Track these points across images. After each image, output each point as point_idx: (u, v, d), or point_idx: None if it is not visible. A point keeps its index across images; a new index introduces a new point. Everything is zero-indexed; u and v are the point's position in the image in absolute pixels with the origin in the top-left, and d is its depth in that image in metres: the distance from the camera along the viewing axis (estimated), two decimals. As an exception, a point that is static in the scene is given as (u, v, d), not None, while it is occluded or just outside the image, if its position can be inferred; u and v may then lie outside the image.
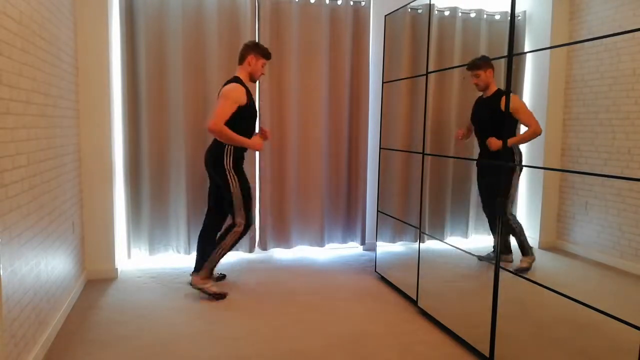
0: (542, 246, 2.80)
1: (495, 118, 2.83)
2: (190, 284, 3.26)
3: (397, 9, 3.57)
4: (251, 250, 4.20)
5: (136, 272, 3.76)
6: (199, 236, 3.46)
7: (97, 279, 3.57)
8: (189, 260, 4.03)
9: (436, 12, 3.15)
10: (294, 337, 2.69)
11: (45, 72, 2.59)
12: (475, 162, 2.96)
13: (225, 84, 3.20)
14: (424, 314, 2.99)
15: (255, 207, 3.35)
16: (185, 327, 2.78)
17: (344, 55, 4.23)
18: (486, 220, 3.02)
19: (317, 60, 4.15)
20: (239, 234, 3.25)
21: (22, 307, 2.17)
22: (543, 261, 2.81)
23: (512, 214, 2.91)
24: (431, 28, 2.97)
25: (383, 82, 3.75)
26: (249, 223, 3.28)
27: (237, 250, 4.18)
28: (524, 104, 2.81)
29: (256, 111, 3.32)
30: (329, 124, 4.29)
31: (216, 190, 3.38)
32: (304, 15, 4.11)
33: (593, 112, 2.36)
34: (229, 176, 3.18)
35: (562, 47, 2.42)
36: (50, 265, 2.63)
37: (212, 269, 3.29)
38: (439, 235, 3.29)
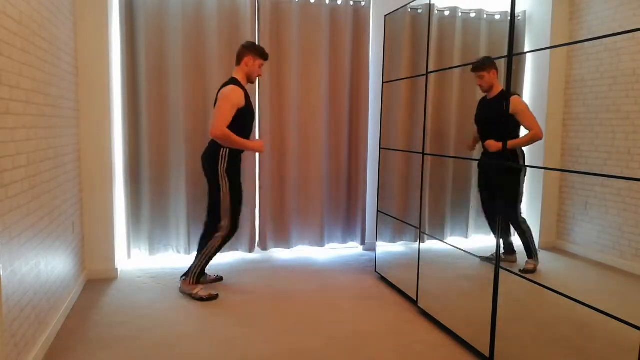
0: (542, 246, 2.80)
1: (500, 120, 2.82)
2: (180, 290, 3.29)
3: (397, 9, 3.57)
4: (251, 250, 4.20)
5: (136, 272, 3.76)
6: (200, 240, 3.42)
7: (97, 279, 3.57)
8: (189, 260, 4.03)
9: (436, 12, 3.15)
10: (293, 337, 2.69)
11: (45, 72, 2.59)
12: (477, 162, 2.96)
13: (223, 87, 3.15)
14: (424, 314, 2.99)
15: (241, 212, 3.33)
16: (185, 327, 2.78)
17: (344, 55, 4.23)
18: (486, 220, 3.02)
19: (317, 60, 4.15)
20: (223, 238, 3.23)
21: (22, 307, 2.17)
22: (543, 261, 2.81)
23: (522, 217, 2.90)
24: (431, 28, 2.97)
25: (383, 82, 3.75)
26: (234, 228, 3.25)
27: (236, 250, 4.19)
28: (526, 107, 2.78)
29: (254, 113, 3.29)
30: (329, 124, 4.29)
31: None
32: (304, 15, 4.11)
33: (593, 112, 2.36)
34: (220, 180, 3.15)
35: (562, 47, 2.42)
36: (50, 265, 2.63)
37: (199, 275, 3.26)
38: (439, 235, 3.29)
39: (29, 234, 2.29)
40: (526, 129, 2.76)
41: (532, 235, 2.88)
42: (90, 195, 3.53)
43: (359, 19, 4.25)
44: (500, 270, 2.32)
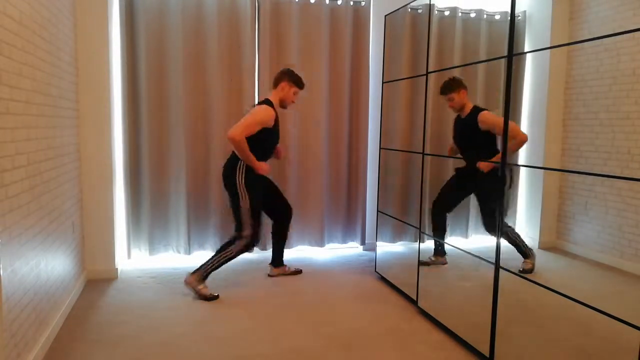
0: (542, 246, 2.80)
1: (477, 137, 2.85)
2: (184, 281, 3.28)
3: (397, 9, 3.57)
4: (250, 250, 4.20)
5: (136, 272, 3.76)
6: (224, 243, 3.51)
7: (97, 279, 3.57)
8: (189, 260, 4.03)
9: (436, 12, 3.15)
10: (294, 337, 2.69)
11: (45, 72, 2.59)
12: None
13: (258, 104, 3.32)
14: (424, 314, 2.99)
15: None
16: (185, 327, 2.78)
17: (344, 55, 4.22)
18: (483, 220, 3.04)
19: (317, 60, 4.14)
20: (243, 246, 3.28)
21: (22, 307, 2.17)
22: (543, 261, 2.81)
23: (508, 225, 2.92)
24: (431, 28, 2.97)
25: (383, 82, 3.75)
26: (256, 239, 3.32)
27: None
28: (497, 118, 2.78)
29: (278, 136, 3.40)
30: (329, 124, 4.29)
31: (266, 196, 3.48)
32: (304, 15, 4.10)
33: (593, 112, 2.36)
34: (239, 190, 3.24)
35: (562, 47, 2.42)
36: (50, 265, 2.63)
37: (208, 273, 3.26)
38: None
39: (29, 234, 2.29)
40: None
41: (519, 236, 2.89)
42: (90, 195, 3.53)
43: (359, 19, 4.24)
44: (500, 270, 2.33)
